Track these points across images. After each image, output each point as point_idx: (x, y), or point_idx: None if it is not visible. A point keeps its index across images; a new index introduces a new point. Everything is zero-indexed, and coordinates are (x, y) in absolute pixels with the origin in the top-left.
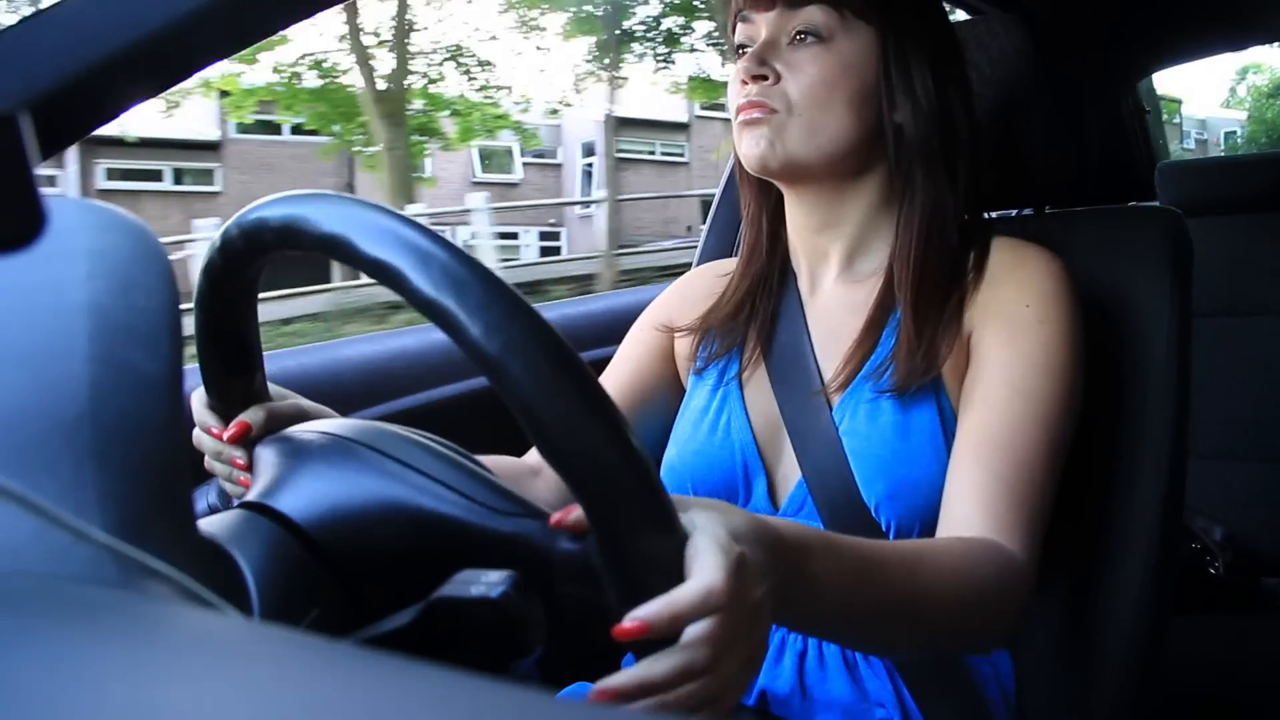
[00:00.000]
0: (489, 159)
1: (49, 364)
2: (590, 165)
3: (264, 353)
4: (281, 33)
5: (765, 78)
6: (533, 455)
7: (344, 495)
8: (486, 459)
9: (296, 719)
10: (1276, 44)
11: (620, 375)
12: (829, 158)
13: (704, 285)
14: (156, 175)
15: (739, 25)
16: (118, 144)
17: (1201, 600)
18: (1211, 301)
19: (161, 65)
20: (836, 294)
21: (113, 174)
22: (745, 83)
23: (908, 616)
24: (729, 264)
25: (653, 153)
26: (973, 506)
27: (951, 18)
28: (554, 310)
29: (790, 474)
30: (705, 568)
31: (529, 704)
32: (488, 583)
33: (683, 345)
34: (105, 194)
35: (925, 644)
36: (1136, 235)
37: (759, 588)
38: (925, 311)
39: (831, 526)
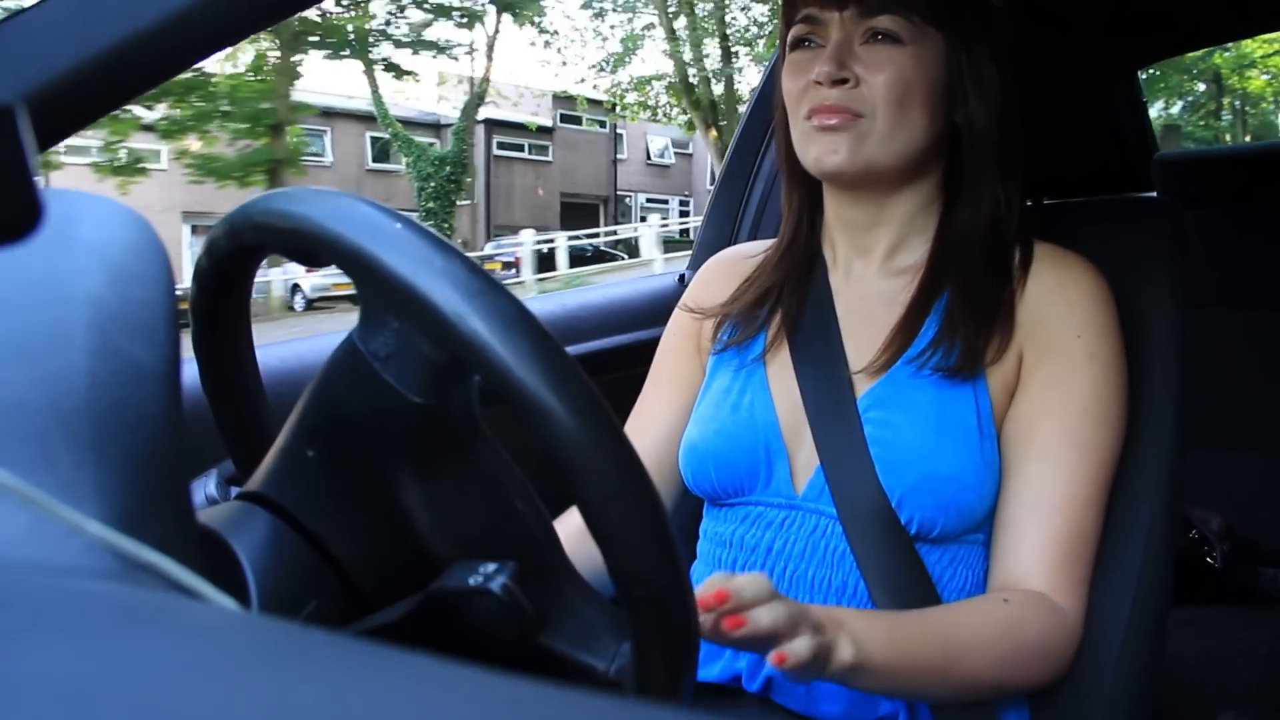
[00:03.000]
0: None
1: (46, 355)
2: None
3: (257, 349)
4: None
5: (846, 80)
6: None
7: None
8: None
9: (294, 711)
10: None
11: (660, 398)
12: (903, 160)
13: (730, 269)
14: (520, 147)
15: (801, 24)
16: (505, 124)
17: (1199, 591)
18: (1209, 293)
19: (160, 57)
20: (872, 285)
21: (499, 145)
22: (819, 84)
23: (947, 671)
24: (756, 246)
25: None
26: (1027, 564)
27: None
28: (551, 302)
29: (812, 460)
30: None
31: (527, 695)
32: (485, 574)
33: (707, 327)
34: (498, 158)
35: (971, 695)
36: (1134, 227)
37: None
38: (977, 298)
39: (848, 518)
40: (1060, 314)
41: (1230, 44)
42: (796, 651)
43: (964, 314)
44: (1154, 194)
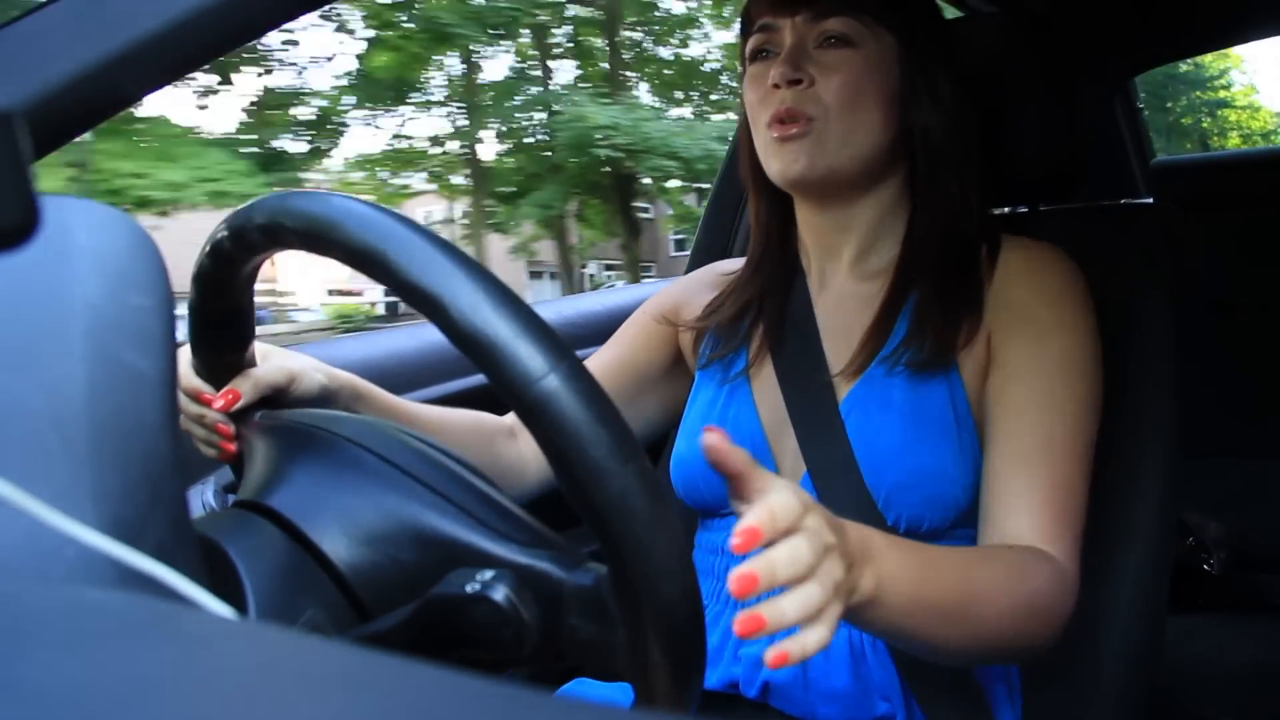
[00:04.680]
0: None
1: (44, 363)
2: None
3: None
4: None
5: (801, 81)
6: (510, 416)
7: (349, 504)
8: (462, 413)
9: (291, 719)
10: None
11: (609, 355)
12: (862, 163)
13: (707, 284)
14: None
15: (758, 34)
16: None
17: (1196, 598)
18: (1204, 298)
19: (158, 64)
20: (846, 289)
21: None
22: (778, 87)
23: (964, 615)
24: (733, 264)
25: None
26: (1017, 517)
27: (943, 15)
28: (550, 309)
29: (798, 468)
30: (782, 489)
31: (524, 703)
32: (482, 581)
33: (686, 339)
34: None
35: (979, 647)
36: (1130, 232)
37: (830, 536)
38: (945, 294)
39: None
40: (1028, 291)
41: None
42: (805, 648)
43: (933, 310)
44: (1150, 199)
